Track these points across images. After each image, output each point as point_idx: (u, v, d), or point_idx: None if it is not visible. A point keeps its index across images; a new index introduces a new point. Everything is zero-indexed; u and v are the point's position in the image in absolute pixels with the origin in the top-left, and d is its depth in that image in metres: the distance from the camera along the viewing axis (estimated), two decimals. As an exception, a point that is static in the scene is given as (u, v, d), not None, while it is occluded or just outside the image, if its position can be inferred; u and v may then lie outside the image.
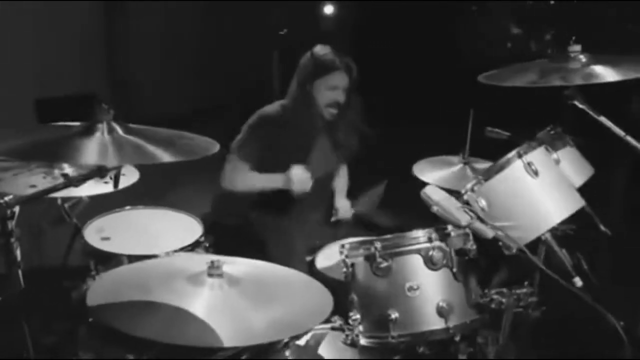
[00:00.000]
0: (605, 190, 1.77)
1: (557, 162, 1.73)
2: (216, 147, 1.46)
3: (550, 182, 1.64)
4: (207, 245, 2.32)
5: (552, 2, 5.69)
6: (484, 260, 1.64)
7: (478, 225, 1.50)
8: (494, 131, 2.33)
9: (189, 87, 5.32)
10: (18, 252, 1.61)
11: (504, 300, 1.58)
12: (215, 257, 1.58)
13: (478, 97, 2.27)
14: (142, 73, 5.18)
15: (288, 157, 2.42)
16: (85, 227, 2.33)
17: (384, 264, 1.63)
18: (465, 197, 1.69)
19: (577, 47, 1.63)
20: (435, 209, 1.57)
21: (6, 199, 1.58)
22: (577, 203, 1.65)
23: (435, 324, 1.60)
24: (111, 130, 1.40)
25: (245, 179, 2.43)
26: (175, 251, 2.20)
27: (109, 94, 5.32)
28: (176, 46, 5.25)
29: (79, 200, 2.30)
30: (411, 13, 5.84)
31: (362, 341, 1.71)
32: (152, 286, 1.53)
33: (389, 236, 1.66)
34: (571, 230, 1.73)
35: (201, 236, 2.33)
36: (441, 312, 1.60)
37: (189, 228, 2.39)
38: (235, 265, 1.61)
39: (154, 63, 5.22)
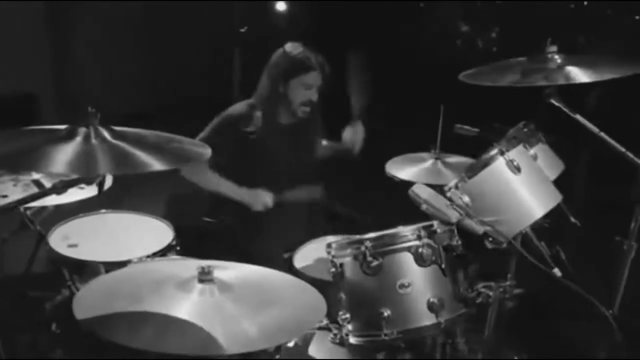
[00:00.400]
0: (569, 184, 1.85)
1: (535, 158, 1.79)
2: (208, 152, 1.42)
3: (531, 178, 1.70)
4: (178, 249, 2.27)
5: (498, 1, 5.88)
6: (470, 255, 1.68)
7: (468, 221, 1.54)
8: (463, 128, 2.40)
9: (139, 87, 5.18)
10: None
11: (491, 293, 1.64)
12: (205, 263, 1.55)
13: (446, 94, 2.32)
14: (89, 74, 5.01)
15: (253, 158, 2.41)
16: (49, 234, 2.23)
17: (375, 263, 1.64)
18: (448, 194, 1.73)
19: (554, 48, 1.70)
20: (424, 207, 1.60)
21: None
22: (556, 197, 1.72)
23: (427, 319, 1.63)
24: (98, 136, 1.34)
25: (205, 178, 2.42)
26: (148, 256, 2.14)
27: (52, 95, 5.10)
28: (124, 46, 5.10)
29: (42, 207, 2.20)
30: (362, 11, 5.91)
31: (352, 340, 1.72)
32: (142, 295, 1.48)
33: (378, 234, 1.67)
34: (547, 224, 1.80)
35: (173, 239, 2.28)
36: (432, 308, 1.63)
37: (158, 232, 2.33)
38: (225, 270, 1.58)
39: (102, 63, 5.05)
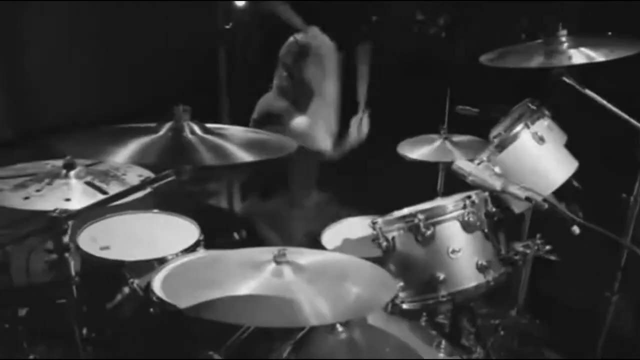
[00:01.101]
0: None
1: (551, 129, 2.02)
2: (294, 145, 1.52)
3: (553, 147, 1.93)
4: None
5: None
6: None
7: (512, 188, 1.74)
8: (465, 109, 2.61)
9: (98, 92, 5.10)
10: (72, 267, 1.58)
11: (528, 251, 1.85)
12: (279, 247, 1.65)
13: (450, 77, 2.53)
14: (44, 78, 4.86)
15: None
16: (76, 238, 2.25)
17: (428, 232, 1.82)
18: (480, 167, 1.93)
19: (564, 31, 1.93)
20: (470, 178, 1.78)
21: (58, 211, 1.55)
22: (574, 162, 1.96)
23: (477, 279, 1.83)
24: (192, 131, 1.43)
25: None
26: (183, 251, 2.22)
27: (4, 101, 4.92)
28: (79, 47, 4.97)
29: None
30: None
31: (407, 305, 1.89)
32: (223, 279, 1.58)
33: (428, 207, 1.85)
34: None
35: (201, 234, 2.36)
36: (481, 269, 1.83)
37: (182, 227, 2.39)
38: (295, 254, 1.69)
39: (57, 67, 4.91)
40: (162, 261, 2.02)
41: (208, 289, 1.54)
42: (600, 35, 1.94)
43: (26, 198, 1.71)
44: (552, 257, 1.87)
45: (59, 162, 2.01)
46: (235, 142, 1.45)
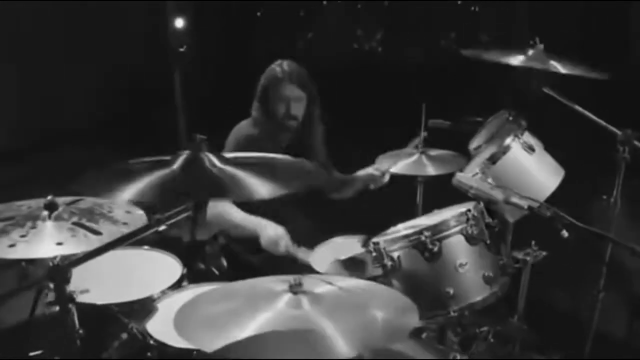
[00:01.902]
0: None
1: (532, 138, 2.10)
2: (324, 173, 1.44)
3: (542, 155, 2.00)
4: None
5: (386, 3, 6.35)
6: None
7: (514, 198, 1.78)
8: (436, 122, 2.67)
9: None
10: (75, 319, 1.46)
11: (528, 258, 1.90)
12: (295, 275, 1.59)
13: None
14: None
15: None
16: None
17: (436, 248, 1.82)
18: (476, 178, 1.96)
19: (541, 46, 2.03)
20: (472, 192, 1.81)
21: (59, 259, 1.42)
22: (561, 169, 2.04)
23: (485, 291, 1.86)
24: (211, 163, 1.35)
25: (228, 211, 2.39)
26: (169, 288, 2.12)
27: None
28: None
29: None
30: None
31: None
32: (235, 314, 1.50)
33: (433, 224, 1.86)
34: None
35: (184, 268, 2.26)
36: (487, 281, 1.86)
37: (157, 261, 2.27)
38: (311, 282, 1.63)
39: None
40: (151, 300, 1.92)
41: (223, 326, 1.46)
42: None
43: (12, 245, 1.55)
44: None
45: (35, 203, 1.86)
46: (259, 172, 1.38)
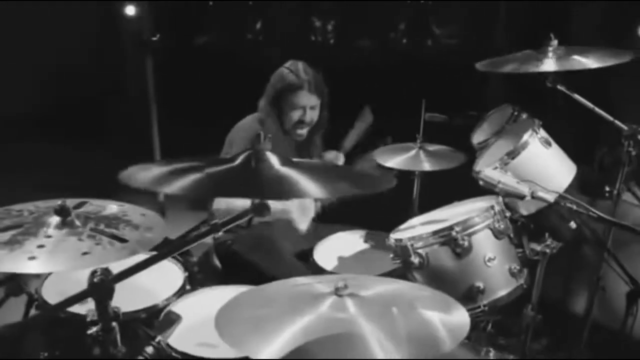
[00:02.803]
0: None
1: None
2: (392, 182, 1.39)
3: (557, 149, 2.04)
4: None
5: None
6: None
7: (540, 192, 1.80)
8: (433, 116, 2.68)
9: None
10: (118, 338, 1.33)
11: (547, 250, 1.93)
12: (340, 277, 1.53)
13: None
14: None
15: None
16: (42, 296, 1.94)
17: (466, 244, 1.82)
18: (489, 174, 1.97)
19: (555, 41, 2.06)
20: (499, 187, 1.81)
21: (100, 272, 1.29)
22: (573, 164, 2.09)
23: (511, 285, 1.88)
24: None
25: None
26: (175, 294, 2.02)
27: None
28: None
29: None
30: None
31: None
32: (279, 318, 1.43)
33: (462, 219, 1.85)
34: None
35: (186, 271, 2.16)
36: (513, 274, 1.88)
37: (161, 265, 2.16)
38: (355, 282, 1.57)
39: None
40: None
41: (268, 331, 1.39)
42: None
43: (32, 258, 1.39)
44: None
45: (32, 207, 1.68)
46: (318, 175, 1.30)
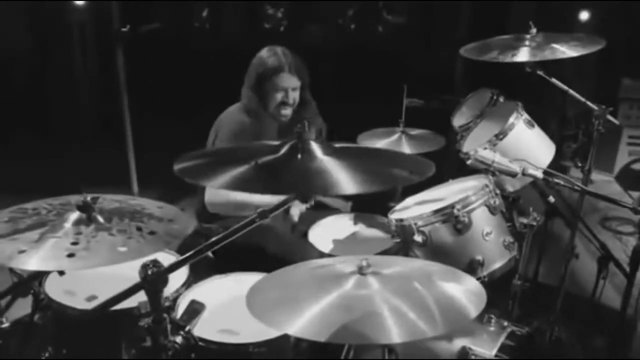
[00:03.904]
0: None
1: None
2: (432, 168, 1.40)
3: (539, 129, 2.21)
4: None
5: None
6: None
7: (531, 170, 1.96)
8: (412, 101, 2.81)
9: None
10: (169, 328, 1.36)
11: (534, 223, 2.10)
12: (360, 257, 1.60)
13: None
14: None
15: None
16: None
17: (466, 220, 1.96)
18: (480, 153, 2.11)
19: (534, 29, 2.22)
20: (494, 165, 1.95)
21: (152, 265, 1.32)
22: (552, 143, 2.26)
23: (506, 256, 2.04)
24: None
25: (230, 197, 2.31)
26: (183, 285, 2.04)
27: None
28: None
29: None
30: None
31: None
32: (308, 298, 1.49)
33: (461, 198, 1.98)
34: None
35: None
36: (507, 247, 2.04)
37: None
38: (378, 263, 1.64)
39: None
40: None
41: (297, 309, 1.44)
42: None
43: (71, 255, 1.39)
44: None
45: (45, 204, 1.67)
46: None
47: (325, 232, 2.53)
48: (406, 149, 2.69)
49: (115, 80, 3.28)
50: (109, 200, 1.72)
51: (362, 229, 2.57)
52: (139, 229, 1.55)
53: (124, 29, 3.22)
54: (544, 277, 2.55)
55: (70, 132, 5.21)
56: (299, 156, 1.29)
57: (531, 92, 2.57)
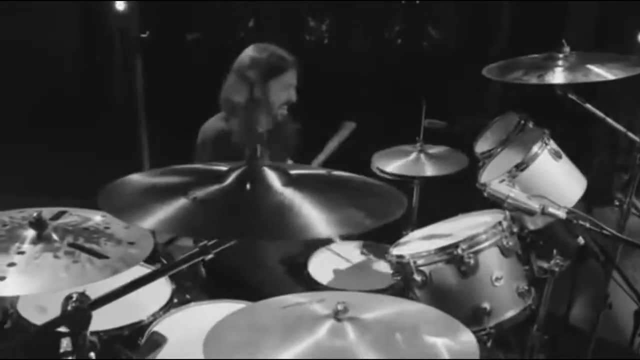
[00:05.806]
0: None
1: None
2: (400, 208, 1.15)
3: (567, 161, 1.94)
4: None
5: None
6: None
7: (551, 208, 1.70)
8: (433, 122, 2.57)
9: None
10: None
11: (556, 268, 1.83)
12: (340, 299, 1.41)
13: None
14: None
15: None
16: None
17: (472, 262, 1.71)
18: (495, 187, 1.86)
19: (567, 48, 1.95)
20: (508, 201, 1.70)
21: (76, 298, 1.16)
22: (584, 177, 1.98)
23: (519, 305, 1.77)
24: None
25: None
26: (161, 309, 1.89)
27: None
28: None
29: None
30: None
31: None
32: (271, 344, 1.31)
33: (468, 236, 1.74)
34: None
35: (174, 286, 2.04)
36: (521, 294, 1.78)
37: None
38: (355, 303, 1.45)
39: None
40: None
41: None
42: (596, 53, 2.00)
43: (1, 279, 1.25)
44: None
45: (5, 218, 1.55)
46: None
47: (327, 261, 2.34)
48: (426, 170, 2.46)
49: (132, 87, 3.25)
50: (76, 216, 1.60)
51: (367, 260, 2.36)
52: (90, 251, 1.40)
53: (143, 35, 3.17)
54: (569, 329, 2.25)
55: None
56: (248, 186, 1.09)
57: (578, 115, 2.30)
